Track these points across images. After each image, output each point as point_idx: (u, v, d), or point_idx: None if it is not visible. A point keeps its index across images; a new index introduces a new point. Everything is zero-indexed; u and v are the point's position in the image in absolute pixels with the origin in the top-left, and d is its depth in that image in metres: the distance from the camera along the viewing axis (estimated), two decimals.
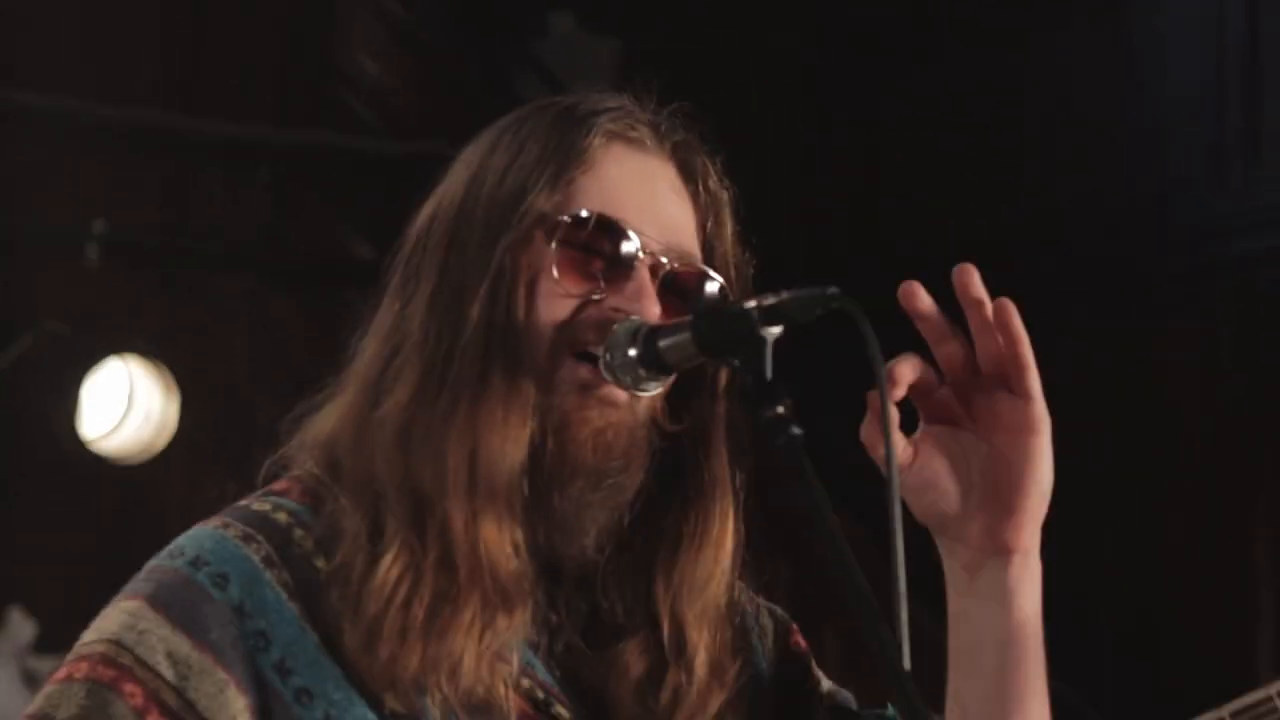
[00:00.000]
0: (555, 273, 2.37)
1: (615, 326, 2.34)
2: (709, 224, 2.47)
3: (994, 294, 7.54)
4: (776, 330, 2.23)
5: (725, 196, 2.48)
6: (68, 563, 6.95)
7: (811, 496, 2.14)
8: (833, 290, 2.21)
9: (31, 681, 7.06)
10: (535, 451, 2.36)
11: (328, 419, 2.45)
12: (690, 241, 2.44)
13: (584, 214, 2.38)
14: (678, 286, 2.42)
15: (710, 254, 2.46)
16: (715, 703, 2.42)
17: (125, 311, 6.84)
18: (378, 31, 7.43)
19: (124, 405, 6.68)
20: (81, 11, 6.85)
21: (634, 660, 2.41)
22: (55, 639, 6.97)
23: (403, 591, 2.29)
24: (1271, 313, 7.13)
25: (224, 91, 7.15)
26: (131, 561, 6.76)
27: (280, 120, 7.18)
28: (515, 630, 2.34)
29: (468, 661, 2.28)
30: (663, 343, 2.32)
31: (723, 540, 2.43)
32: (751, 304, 2.25)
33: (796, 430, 2.17)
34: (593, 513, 2.38)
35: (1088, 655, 7.28)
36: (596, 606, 2.42)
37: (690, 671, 2.40)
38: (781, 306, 2.23)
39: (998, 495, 2.38)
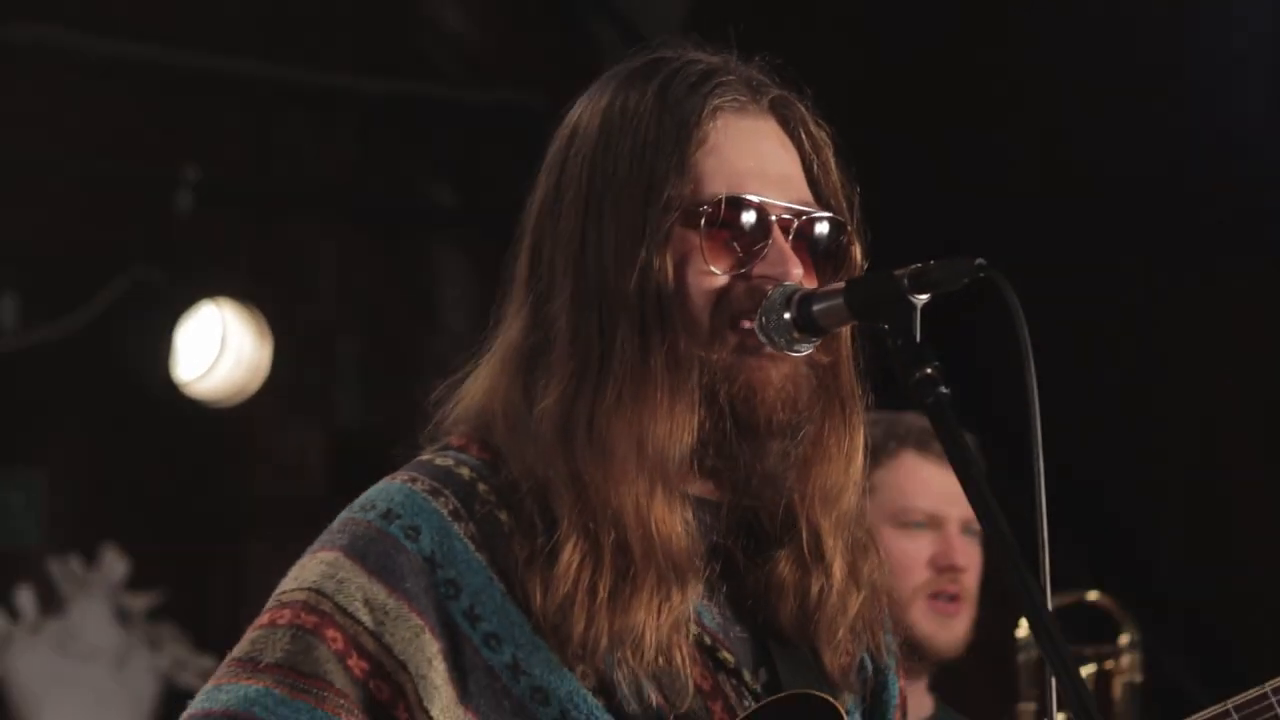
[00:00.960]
0: (704, 257, 2.51)
1: (770, 291, 2.49)
2: (814, 166, 2.63)
3: (1052, 231, 7.53)
4: (925, 297, 2.39)
5: (824, 136, 2.64)
6: (160, 502, 7.14)
7: (959, 450, 2.29)
8: (980, 261, 2.36)
9: (124, 618, 7.24)
10: (714, 427, 2.50)
11: (475, 396, 2.58)
12: (805, 189, 2.60)
13: (718, 198, 2.53)
14: (807, 237, 2.57)
15: (819, 191, 2.62)
16: (855, 602, 2.60)
17: (217, 256, 6.98)
18: None
19: (217, 349, 6.83)
20: None
21: (786, 569, 2.58)
22: (145, 576, 7.16)
23: (586, 577, 2.44)
24: None
25: (310, 39, 7.27)
26: (220, 501, 6.93)
27: (365, 68, 7.30)
28: (690, 601, 2.49)
29: (649, 636, 2.44)
30: (816, 307, 2.48)
31: (853, 453, 2.60)
32: (901, 272, 2.40)
33: (944, 389, 2.33)
34: (790, 462, 2.55)
35: (1146, 600, 7.39)
36: (751, 524, 2.58)
37: (829, 575, 2.58)
38: (930, 275, 2.38)
39: None
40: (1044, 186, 7.36)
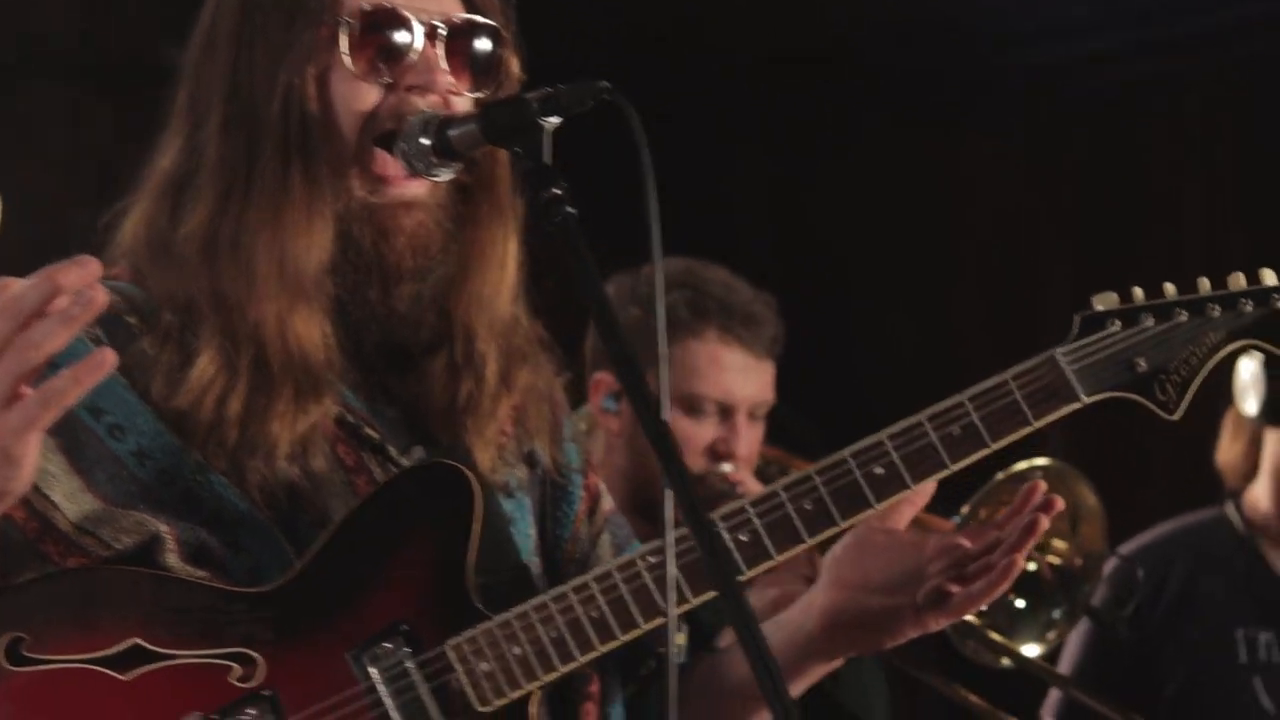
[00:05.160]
0: (349, 64, 2.61)
1: (410, 118, 2.58)
2: None
3: (794, 98, 7.46)
4: (555, 120, 2.47)
5: None
6: None
7: (584, 266, 2.37)
8: (604, 84, 2.44)
9: None
10: (349, 254, 2.61)
11: (127, 232, 2.68)
12: (457, 6, 2.68)
13: (364, 7, 2.62)
14: (460, 50, 2.66)
15: (473, 8, 2.69)
16: (504, 406, 2.72)
17: None
18: None
19: None
20: None
21: (437, 372, 2.69)
22: None
23: (218, 388, 2.56)
24: (1062, 121, 7.39)
25: None
26: None
27: None
28: (327, 411, 2.60)
29: (283, 447, 2.56)
30: (452, 132, 2.57)
31: (505, 260, 2.71)
32: (532, 96, 2.48)
33: (570, 209, 2.40)
34: (426, 301, 2.67)
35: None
36: (405, 335, 2.69)
37: (480, 378, 2.69)
38: (557, 98, 2.46)
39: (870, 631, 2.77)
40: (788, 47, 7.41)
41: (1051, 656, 4.36)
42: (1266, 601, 4.53)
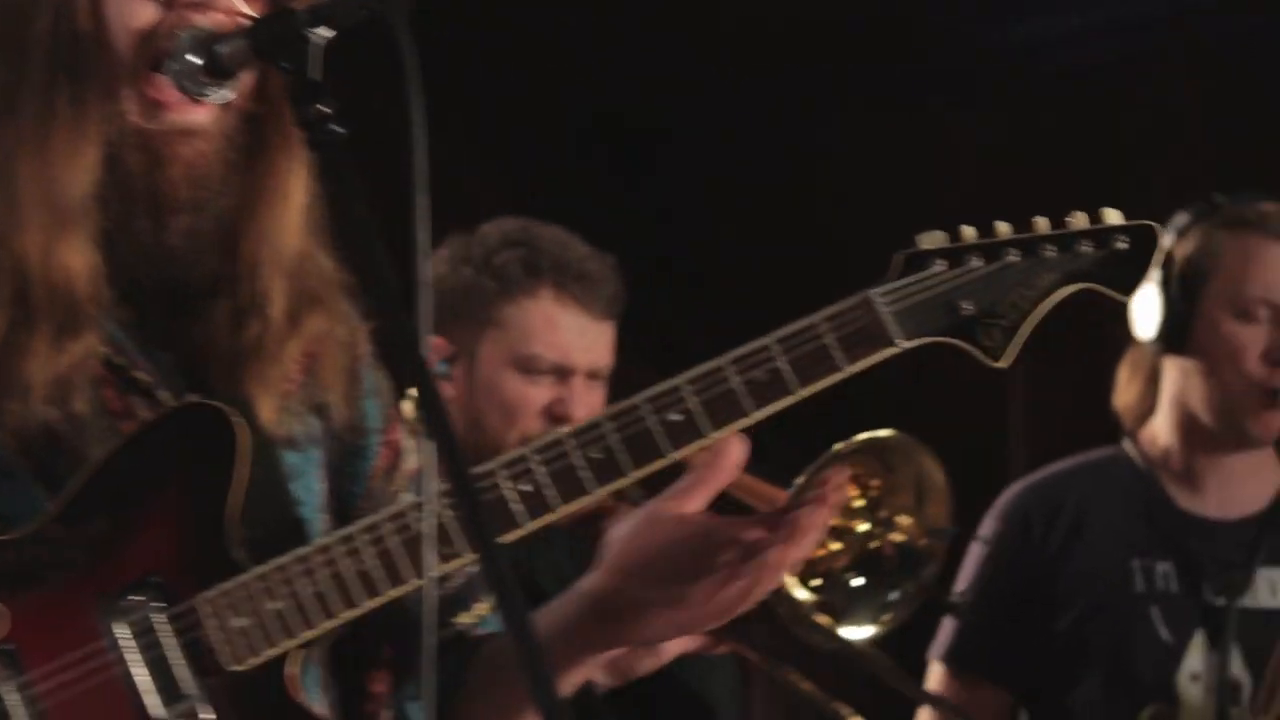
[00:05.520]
0: None
1: (179, 34, 2.41)
2: None
3: (764, 77, 7.31)
4: (326, 32, 2.29)
5: None
6: None
7: (348, 188, 2.21)
8: None
9: None
10: (119, 181, 2.44)
11: None
12: None
13: None
14: None
15: None
16: (291, 351, 2.53)
17: None
18: None
19: None
20: None
21: (220, 316, 2.51)
22: None
23: None
24: (1038, 99, 7.29)
25: None
26: None
27: None
28: (93, 351, 2.43)
29: (38, 388, 2.38)
30: (221, 48, 2.40)
31: (290, 193, 2.53)
32: (301, 8, 2.31)
33: (337, 128, 2.22)
34: (207, 238, 2.49)
35: None
36: (184, 273, 2.51)
37: (266, 319, 2.51)
38: (325, 9, 2.29)
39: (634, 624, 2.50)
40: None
41: (920, 635, 4.15)
42: (1165, 533, 4.36)
